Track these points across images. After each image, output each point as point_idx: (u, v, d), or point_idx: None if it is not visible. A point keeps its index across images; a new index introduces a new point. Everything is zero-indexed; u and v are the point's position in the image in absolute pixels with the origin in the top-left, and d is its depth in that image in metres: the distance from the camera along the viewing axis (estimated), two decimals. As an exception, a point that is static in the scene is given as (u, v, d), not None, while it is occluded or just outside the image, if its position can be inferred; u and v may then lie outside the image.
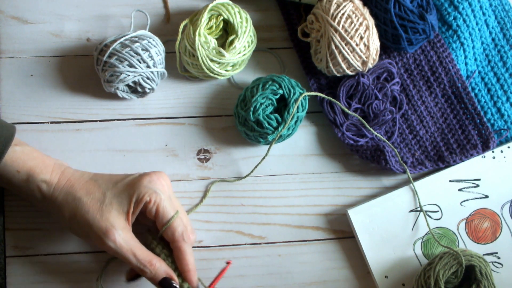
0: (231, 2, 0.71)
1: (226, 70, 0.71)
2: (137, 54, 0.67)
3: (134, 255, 0.58)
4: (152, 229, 0.64)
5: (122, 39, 0.67)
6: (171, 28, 0.75)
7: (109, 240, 0.57)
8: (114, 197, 0.59)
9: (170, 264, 0.61)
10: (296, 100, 0.68)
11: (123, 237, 0.58)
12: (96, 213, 0.58)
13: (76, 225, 0.59)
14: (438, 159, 0.73)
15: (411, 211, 0.71)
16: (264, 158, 0.70)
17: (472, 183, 0.72)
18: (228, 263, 0.67)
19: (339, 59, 0.68)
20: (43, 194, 0.60)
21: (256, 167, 0.70)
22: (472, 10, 0.76)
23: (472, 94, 0.76)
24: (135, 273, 0.61)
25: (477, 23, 0.77)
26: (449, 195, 0.71)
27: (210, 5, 0.70)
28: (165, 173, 0.63)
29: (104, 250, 0.59)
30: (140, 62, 0.67)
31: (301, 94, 0.69)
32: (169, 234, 0.60)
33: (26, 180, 0.60)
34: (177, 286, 0.59)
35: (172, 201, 0.61)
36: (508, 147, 0.74)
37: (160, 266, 0.59)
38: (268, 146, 0.71)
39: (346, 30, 0.67)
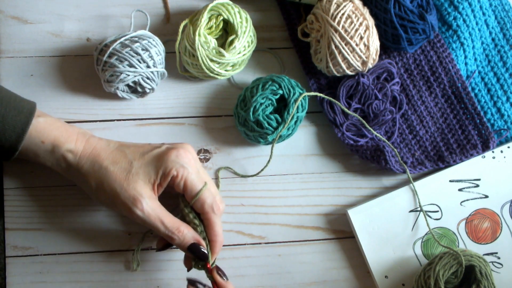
0: (231, 2, 0.71)
1: (226, 70, 0.71)
2: (137, 54, 0.67)
3: (162, 223, 0.58)
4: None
5: (122, 39, 0.67)
6: (171, 28, 0.75)
7: (137, 208, 0.58)
8: (140, 167, 0.59)
9: (200, 232, 0.61)
10: (296, 100, 0.68)
11: (150, 205, 0.58)
12: (123, 182, 0.58)
13: (102, 194, 0.59)
14: (438, 159, 0.73)
15: (411, 211, 0.71)
16: (269, 160, 0.70)
17: (472, 183, 0.72)
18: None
19: (339, 59, 0.68)
20: (68, 163, 0.60)
21: (263, 169, 0.70)
22: (472, 10, 0.76)
23: (472, 94, 0.76)
24: (165, 242, 0.62)
25: (477, 23, 0.77)
26: (449, 195, 0.71)
27: (210, 5, 0.70)
28: (191, 146, 0.63)
29: (132, 219, 0.59)
30: (140, 62, 0.67)
31: (301, 94, 0.69)
32: (199, 206, 0.60)
33: (51, 151, 0.60)
34: (205, 251, 0.60)
35: (200, 174, 0.61)
36: (508, 147, 0.74)
37: (188, 233, 0.59)
38: (268, 146, 0.71)
39: (346, 30, 0.67)
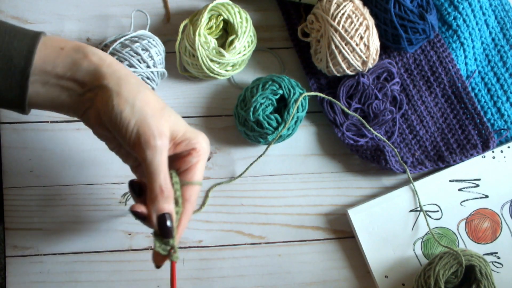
0: (231, 2, 0.71)
1: (226, 70, 0.71)
2: (137, 54, 0.67)
3: (164, 173, 0.51)
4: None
5: (122, 39, 0.67)
6: (171, 28, 0.75)
7: (158, 141, 0.50)
8: (174, 114, 0.53)
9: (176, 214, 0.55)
10: (296, 101, 0.68)
11: (166, 149, 0.51)
12: (156, 112, 0.51)
13: (126, 106, 0.51)
14: (438, 159, 0.73)
15: (411, 211, 0.71)
16: (259, 157, 0.70)
17: (472, 183, 0.72)
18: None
19: (339, 59, 0.68)
20: (93, 64, 0.51)
21: (249, 166, 0.70)
22: (472, 10, 0.76)
23: (472, 94, 0.76)
24: (143, 211, 0.54)
25: (477, 23, 0.77)
26: (449, 195, 0.71)
27: (210, 5, 0.70)
28: None
29: (142, 149, 0.51)
30: (140, 62, 0.67)
31: (301, 94, 0.69)
32: (188, 193, 0.55)
33: (72, 53, 0.51)
34: (172, 227, 0.52)
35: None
36: (508, 147, 0.74)
37: (172, 203, 0.53)
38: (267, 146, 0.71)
39: (346, 30, 0.67)
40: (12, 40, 0.50)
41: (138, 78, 0.54)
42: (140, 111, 0.51)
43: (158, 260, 0.53)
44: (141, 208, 0.52)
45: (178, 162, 0.54)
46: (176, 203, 0.53)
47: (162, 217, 0.52)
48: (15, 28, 0.51)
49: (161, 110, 0.52)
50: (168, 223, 0.52)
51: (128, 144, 0.51)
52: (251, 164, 0.70)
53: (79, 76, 0.52)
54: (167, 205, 0.52)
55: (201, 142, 0.54)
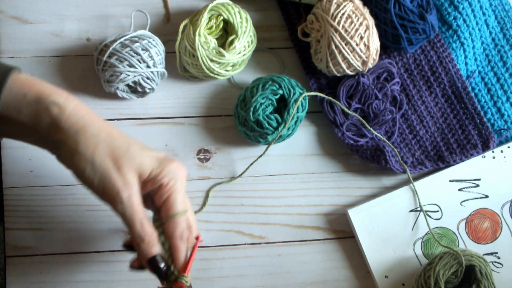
0: (231, 2, 0.71)
1: (226, 70, 0.71)
2: (137, 54, 0.67)
3: (140, 220, 0.52)
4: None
5: (122, 39, 0.67)
6: (171, 28, 0.75)
7: (125, 193, 0.51)
8: (138, 155, 0.52)
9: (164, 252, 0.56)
10: (296, 101, 0.68)
11: (137, 196, 0.52)
12: (118, 159, 0.51)
13: (85, 164, 0.51)
14: (438, 159, 0.73)
15: (411, 211, 0.71)
16: (259, 157, 0.70)
17: (472, 183, 0.72)
18: (197, 238, 0.59)
19: (339, 59, 0.68)
20: (52, 119, 0.50)
21: (249, 166, 0.70)
22: (472, 10, 0.76)
23: (472, 94, 0.76)
24: (140, 263, 0.56)
25: (477, 23, 0.77)
26: (449, 195, 0.71)
27: (210, 5, 0.70)
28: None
29: (112, 204, 0.52)
30: (140, 62, 0.67)
31: (301, 94, 0.69)
32: (170, 228, 0.54)
33: (35, 102, 0.50)
34: (163, 269, 0.53)
35: (185, 198, 0.56)
36: (508, 147, 0.74)
37: (157, 244, 0.53)
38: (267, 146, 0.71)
39: (346, 30, 0.67)
40: None
41: (99, 123, 0.52)
42: (101, 168, 0.51)
43: None
44: (136, 263, 0.56)
45: (155, 198, 0.55)
46: (163, 244, 0.55)
47: (152, 261, 0.53)
48: None
49: (123, 157, 0.52)
50: (160, 264, 0.53)
51: (99, 198, 0.52)
52: (251, 164, 0.70)
53: (41, 129, 0.51)
54: (152, 249, 0.53)
55: (167, 175, 0.54)
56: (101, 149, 0.51)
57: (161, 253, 0.54)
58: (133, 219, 0.52)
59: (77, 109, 0.51)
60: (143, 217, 0.52)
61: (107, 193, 0.51)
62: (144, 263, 0.54)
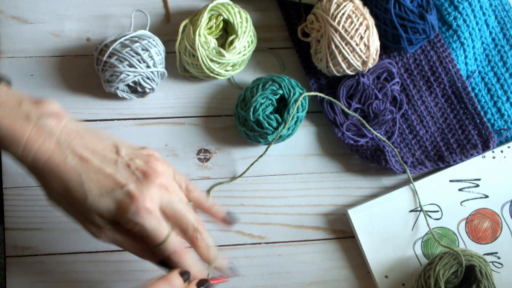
0: (231, 2, 0.71)
1: (226, 70, 0.71)
2: (137, 54, 0.67)
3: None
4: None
5: (122, 39, 0.67)
6: (171, 28, 0.75)
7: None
8: (94, 206, 0.49)
9: None
10: (296, 101, 0.68)
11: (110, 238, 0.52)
12: (80, 215, 0.51)
13: (59, 205, 0.51)
14: (438, 159, 0.73)
15: (411, 211, 0.71)
16: (259, 157, 0.70)
17: (472, 183, 0.72)
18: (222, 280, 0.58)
19: (339, 59, 0.68)
20: (16, 160, 0.49)
21: (250, 166, 0.70)
22: (472, 10, 0.76)
23: (472, 94, 0.76)
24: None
25: (477, 23, 0.77)
26: (449, 195, 0.71)
27: (210, 5, 0.70)
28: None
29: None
30: (140, 62, 0.67)
31: (301, 94, 0.69)
32: (165, 253, 0.52)
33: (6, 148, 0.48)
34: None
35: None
36: (508, 147, 0.74)
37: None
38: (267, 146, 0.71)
39: (346, 30, 0.67)
40: None
41: (56, 175, 0.49)
42: (73, 216, 0.51)
43: None
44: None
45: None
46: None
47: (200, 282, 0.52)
48: None
49: (85, 213, 0.50)
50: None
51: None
52: (251, 164, 0.70)
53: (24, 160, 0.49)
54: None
55: (128, 222, 0.50)
56: (65, 205, 0.51)
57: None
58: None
59: (38, 155, 0.48)
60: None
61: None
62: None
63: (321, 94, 0.72)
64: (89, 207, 0.49)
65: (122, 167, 0.51)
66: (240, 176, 0.71)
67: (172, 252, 0.52)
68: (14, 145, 0.48)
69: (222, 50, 0.69)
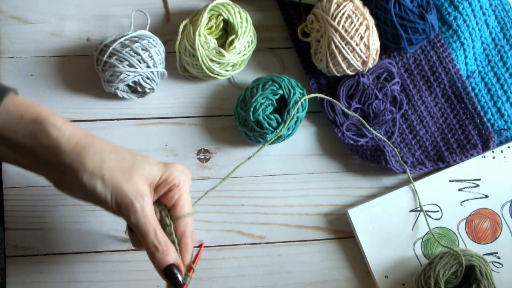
0: (231, 2, 0.71)
1: (226, 70, 0.71)
2: (137, 54, 0.67)
3: (154, 229, 0.52)
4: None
5: (122, 39, 0.67)
6: (171, 28, 0.75)
7: (138, 204, 0.51)
8: (145, 164, 0.53)
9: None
10: (296, 102, 0.68)
11: (150, 206, 0.52)
12: (126, 172, 0.51)
13: (97, 182, 0.51)
14: (438, 159, 0.73)
15: (411, 211, 0.71)
16: (248, 159, 0.70)
17: (472, 183, 0.72)
18: (201, 246, 0.62)
19: (339, 59, 0.68)
20: (51, 141, 0.50)
21: (236, 168, 0.71)
22: (472, 10, 0.76)
23: (472, 94, 0.76)
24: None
25: (477, 23, 0.77)
26: (449, 195, 0.71)
27: (210, 5, 0.70)
28: None
29: (126, 215, 0.52)
30: (140, 62, 0.67)
31: (301, 95, 0.69)
32: (181, 227, 0.55)
33: (31, 124, 0.50)
34: (181, 279, 0.53)
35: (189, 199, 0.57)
36: (508, 147, 0.74)
37: (173, 251, 0.53)
38: (269, 146, 0.71)
39: (346, 30, 0.67)
40: None
41: (99, 141, 0.52)
42: (111, 182, 0.51)
43: None
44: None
45: (163, 200, 0.55)
46: (173, 242, 0.55)
47: (167, 270, 0.53)
48: None
49: (131, 169, 0.52)
50: (176, 273, 0.53)
51: (112, 212, 0.52)
52: (238, 166, 0.70)
53: (39, 151, 0.50)
54: (167, 258, 0.53)
55: (178, 176, 0.55)
56: (108, 164, 0.51)
57: (177, 262, 0.53)
58: (147, 229, 0.52)
59: (75, 131, 0.51)
60: (156, 226, 0.53)
61: (120, 205, 0.51)
62: (160, 272, 0.53)
63: (321, 95, 0.72)
64: (138, 166, 0.52)
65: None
66: (227, 177, 0.70)
67: (192, 229, 0.55)
68: (53, 117, 0.50)
69: (222, 50, 0.69)
